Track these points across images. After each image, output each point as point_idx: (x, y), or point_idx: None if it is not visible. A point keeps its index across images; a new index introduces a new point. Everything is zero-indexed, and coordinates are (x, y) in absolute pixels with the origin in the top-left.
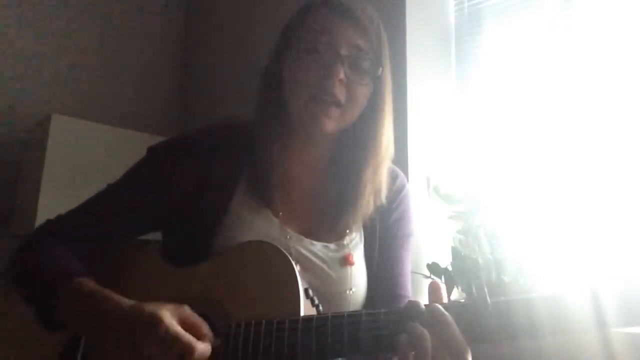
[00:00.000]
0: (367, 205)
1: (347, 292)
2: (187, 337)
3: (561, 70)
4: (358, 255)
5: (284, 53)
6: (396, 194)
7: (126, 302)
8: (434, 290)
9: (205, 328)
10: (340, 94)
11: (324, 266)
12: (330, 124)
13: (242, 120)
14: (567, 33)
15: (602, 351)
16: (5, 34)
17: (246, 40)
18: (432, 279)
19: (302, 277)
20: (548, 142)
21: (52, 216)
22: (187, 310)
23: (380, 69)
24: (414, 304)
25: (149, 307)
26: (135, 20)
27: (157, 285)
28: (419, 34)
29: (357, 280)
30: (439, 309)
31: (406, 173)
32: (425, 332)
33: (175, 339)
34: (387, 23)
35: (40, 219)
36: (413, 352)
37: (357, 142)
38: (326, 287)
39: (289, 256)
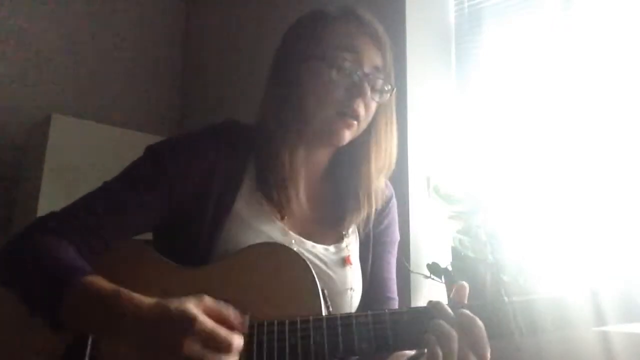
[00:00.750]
0: (368, 207)
1: (349, 291)
2: (224, 331)
3: (561, 70)
4: (354, 257)
5: (304, 62)
6: (386, 203)
7: (146, 300)
8: (458, 290)
9: (232, 314)
10: (362, 110)
11: (325, 268)
12: (350, 136)
13: (238, 121)
14: (567, 33)
15: (601, 349)
16: (6, 34)
17: (246, 41)
18: (432, 279)
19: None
20: (548, 142)
21: None
22: (208, 300)
23: (392, 88)
24: (438, 304)
25: (173, 303)
26: (136, 20)
27: (169, 285)
28: (419, 34)
29: (356, 281)
30: (468, 314)
31: (406, 173)
32: (453, 331)
33: (212, 334)
34: (387, 23)
35: None
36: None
37: (360, 150)
38: (327, 287)
39: (304, 258)
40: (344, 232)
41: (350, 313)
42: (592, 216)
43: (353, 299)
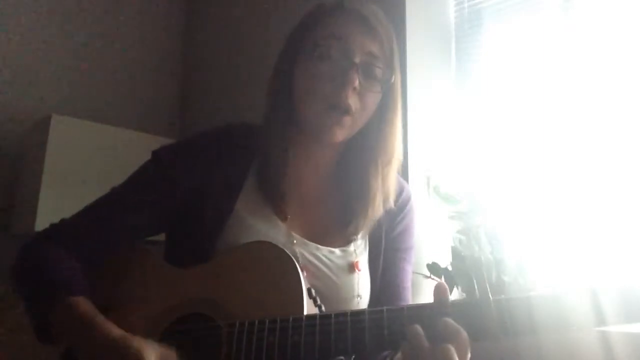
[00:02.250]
0: (377, 210)
1: (356, 299)
2: None
3: (561, 70)
4: (363, 263)
5: (296, 57)
6: (401, 207)
7: (115, 331)
8: (439, 292)
9: None
10: (354, 102)
11: (328, 271)
12: (342, 133)
13: (245, 122)
14: (567, 33)
15: (601, 349)
16: (5, 34)
17: (247, 40)
18: (432, 279)
19: (305, 280)
20: (548, 142)
21: (52, 216)
22: (173, 356)
23: (393, 76)
24: (418, 305)
25: (137, 343)
26: (136, 20)
27: (158, 285)
28: (419, 34)
29: (364, 288)
30: (450, 324)
31: (406, 173)
32: (427, 343)
33: None
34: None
35: (40, 219)
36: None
37: (366, 147)
38: (330, 292)
39: (291, 256)
40: (352, 237)
41: (330, 313)
42: (592, 215)
43: (360, 307)
